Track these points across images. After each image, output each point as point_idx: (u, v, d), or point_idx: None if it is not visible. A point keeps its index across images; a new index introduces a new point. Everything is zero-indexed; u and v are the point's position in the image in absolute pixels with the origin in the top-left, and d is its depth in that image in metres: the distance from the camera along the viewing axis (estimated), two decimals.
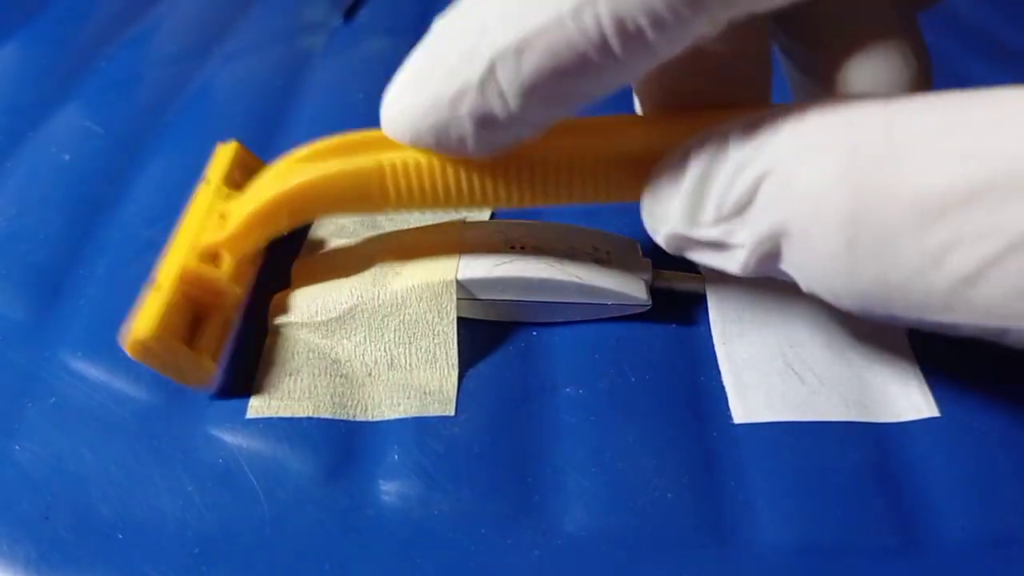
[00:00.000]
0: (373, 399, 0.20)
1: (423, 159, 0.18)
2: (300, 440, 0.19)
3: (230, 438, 0.19)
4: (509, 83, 0.15)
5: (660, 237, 0.17)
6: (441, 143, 0.17)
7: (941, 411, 0.20)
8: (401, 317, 0.20)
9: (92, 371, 0.21)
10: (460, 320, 0.21)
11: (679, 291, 0.22)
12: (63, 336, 0.22)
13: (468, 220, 0.22)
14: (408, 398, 0.20)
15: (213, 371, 0.20)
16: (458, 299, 0.21)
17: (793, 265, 0.15)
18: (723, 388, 0.20)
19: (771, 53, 0.18)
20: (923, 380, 0.20)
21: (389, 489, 0.18)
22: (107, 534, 0.17)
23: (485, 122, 0.16)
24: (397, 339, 0.20)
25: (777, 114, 0.15)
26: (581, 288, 0.21)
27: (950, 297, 0.13)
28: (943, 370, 0.21)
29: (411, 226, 0.23)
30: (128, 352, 0.18)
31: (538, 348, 0.21)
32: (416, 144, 0.17)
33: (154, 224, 0.25)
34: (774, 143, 0.14)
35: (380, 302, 0.21)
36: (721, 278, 0.22)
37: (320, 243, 0.24)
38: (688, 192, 0.16)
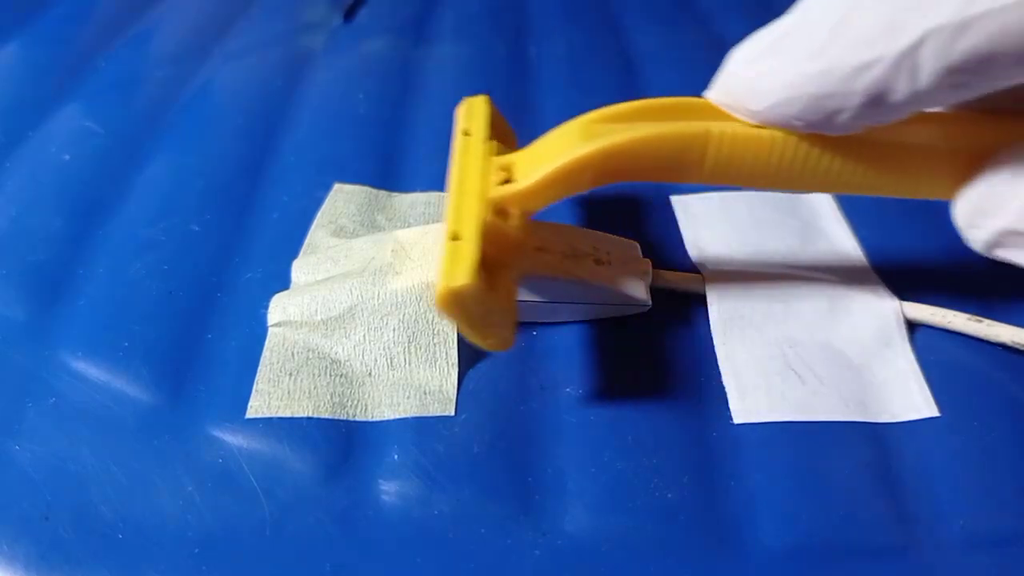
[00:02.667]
0: (373, 399, 0.20)
1: (753, 131, 0.17)
2: (300, 440, 0.19)
3: (230, 438, 0.19)
4: (935, 61, 0.14)
5: (983, 232, 0.17)
6: (806, 115, 0.16)
7: (941, 411, 0.20)
8: (401, 317, 0.20)
9: (92, 371, 0.21)
10: None
11: (679, 291, 0.22)
12: (63, 336, 0.22)
13: None
14: (408, 398, 0.20)
15: (516, 329, 0.19)
16: None
17: None
18: (723, 388, 0.20)
19: None
20: (923, 380, 0.20)
21: (389, 489, 0.18)
22: (107, 534, 0.17)
23: (877, 100, 0.15)
24: (397, 339, 0.20)
25: None
26: (581, 288, 0.21)
27: None
28: (943, 370, 0.21)
29: (411, 226, 0.23)
30: (439, 305, 0.17)
31: (538, 348, 0.21)
32: (771, 112, 0.16)
33: (154, 224, 0.25)
34: None
35: (380, 302, 0.21)
36: (721, 278, 0.22)
37: (320, 243, 0.24)
38: None
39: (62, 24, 0.36)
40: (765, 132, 0.17)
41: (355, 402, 0.20)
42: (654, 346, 0.21)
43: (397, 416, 0.20)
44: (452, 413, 0.20)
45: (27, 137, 0.29)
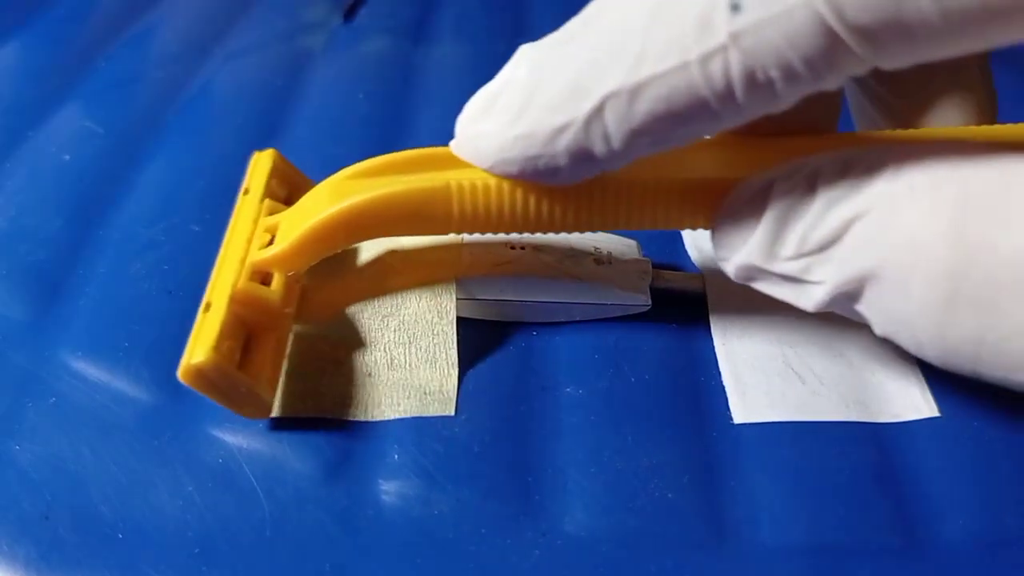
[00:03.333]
0: (373, 399, 0.20)
1: (493, 181, 0.17)
2: (300, 440, 0.19)
3: (230, 438, 0.19)
4: (618, 123, 0.14)
5: (730, 266, 0.17)
6: (526, 172, 0.16)
7: (941, 411, 0.20)
8: (401, 317, 0.20)
9: (92, 371, 0.21)
10: (460, 320, 0.21)
11: (679, 291, 0.22)
12: (63, 336, 0.21)
13: None
14: (408, 398, 0.20)
15: (271, 401, 0.19)
16: (458, 299, 0.21)
17: (874, 309, 0.15)
18: (723, 388, 0.20)
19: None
20: (923, 380, 0.20)
21: (389, 489, 0.18)
22: (107, 534, 0.17)
23: (581, 157, 0.15)
24: (397, 339, 0.20)
25: (875, 154, 0.14)
26: (581, 288, 0.21)
27: None
28: (943, 370, 0.21)
29: None
30: (182, 379, 0.17)
31: (538, 348, 0.21)
32: (495, 170, 0.17)
33: (154, 224, 0.25)
34: (872, 184, 0.14)
35: (380, 302, 0.21)
36: (721, 278, 0.22)
37: None
38: (769, 224, 0.15)
39: (62, 24, 0.36)
40: (504, 183, 0.17)
41: (355, 402, 0.20)
42: (654, 346, 0.21)
43: (397, 416, 0.20)
44: (452, 413, 0.20)
45: (27, 137, 0.29)
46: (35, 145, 0.28)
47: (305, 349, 0.21)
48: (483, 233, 0.18)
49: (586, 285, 0.21)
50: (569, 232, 0.18)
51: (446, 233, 0.18)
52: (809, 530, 0.18)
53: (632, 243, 0.23)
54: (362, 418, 0.20)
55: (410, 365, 0.20)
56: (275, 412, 0.19)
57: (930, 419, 0.20)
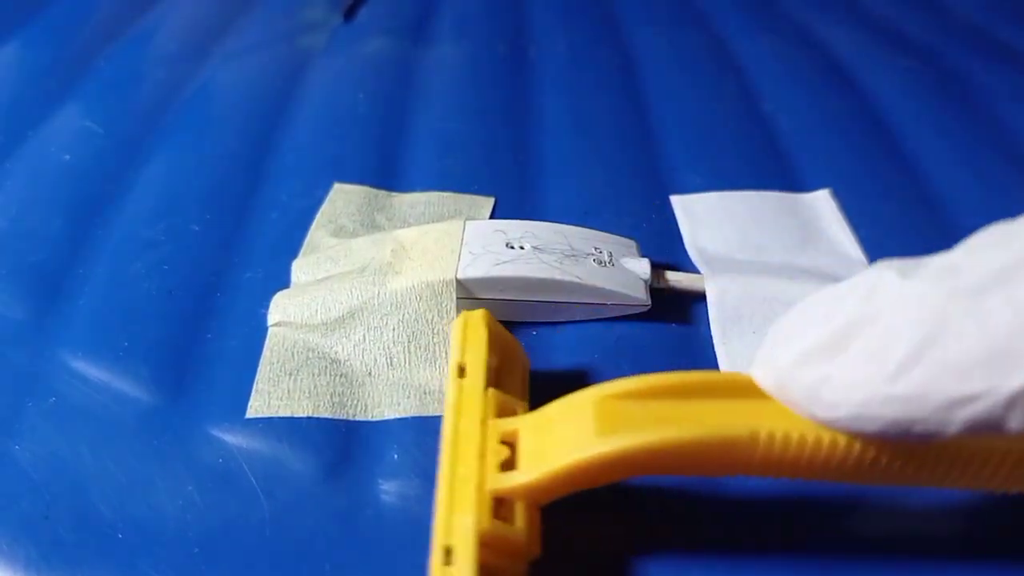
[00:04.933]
0: (373, 399, 0.20)
1: (818, 433, 0.14)
2: (300, 440, 0.19)
3: (230, 438, 0.19)
4: None
5: None
6: (888, 433, 0.13)
7: None
8: (401, 316, 0.20)
9: (92, 371, 0.21)
10: None
11: (679, 291, 0.22)
12: (63, 336, 0.21)
13: (469, 220, 0.22)
14: (408, 398, 0.20)
15: None
16: (458, 298, 0.21)
17: None
18: None
19: None
20: None
21: (389, 489, 0.18)
22: (107, 534, 0.17)
23: (981, 429, 0.12)
24: (397, 338, 0.20)
25: None
26: (581, 288, 0.21)
27: None
28: None
29: (411, 226, 0.23)
30: None
31: (538, 348, 0.21)
32: (840, 424, 0.14)
33: (154, 224, 0.25)
34: None
35: (380, 302, 0.21)
36: (721, 278, 0.22)
37: (320, 243, 0.24)
38: None
39: (62, 24, 0.36)
40: (837, 436, 0.14)
41: (355, 402, 0.20)
42: (654, 346, 0.21)
43: (397, 416, 0.20)
44: None
45: (27, 137, 0.29)
46: (35, 145, 0.28)
47: (303, 348, 0.21)
48: (778, 477, 0.15)
49: (586, 285, 0.21)
50: (888, 485, 0.15)
51: (734, 475, 0.15)
52: (809, 529, 0.18)
53: (632, 243, 0.23)
54: (362, 418, 0.20)
55: (410, 364, 0.20)
56: (275, 412, 0.19)
57: None
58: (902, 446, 0.14)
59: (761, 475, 0.15)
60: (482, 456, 0.15)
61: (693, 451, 0.14)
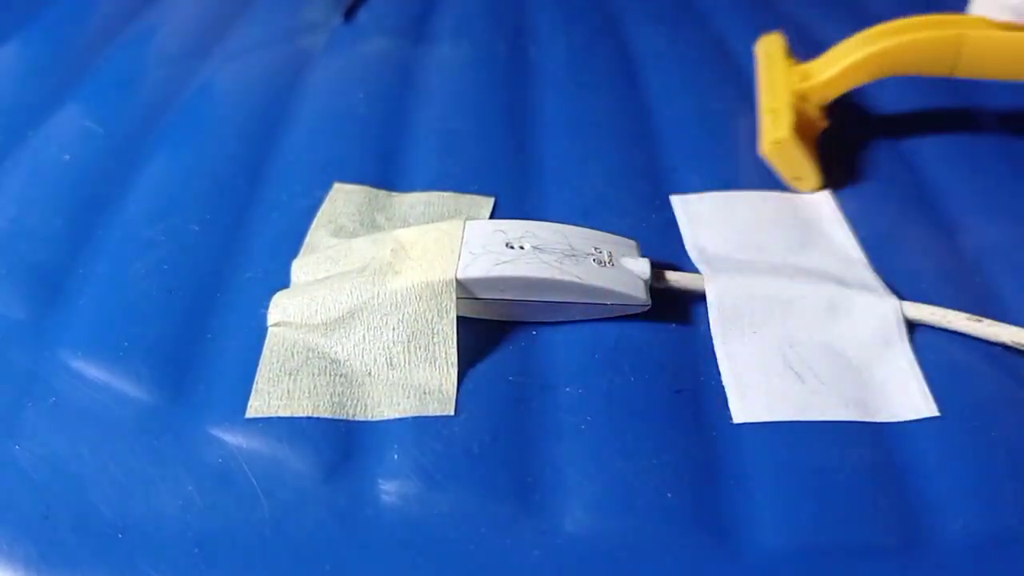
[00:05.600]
0: (373, 399, 0.20)
1: (1000, 34, 0.24)
2: (300, 440, 0.19)
3: (230, 438, 0.19)
4: None
5: None
6: None
7: (941, 411, 0.20)
8: (401, 316, 0.20)
9: (92, 371, 0.21)
10: (460, 320, 0.21)
11: (679, 291, 0.22)
12: (63, 336, 0.21)
13: (469, 220, 0.22)
14: (408, 397, 0.20)
15: (821, 176, 0.26)
16: (458, 298, 0.21)
17: None
18: (723, 388, 0.20)
19: None
20: (923, 380, 0.20)
21: (389, 489, 0.18)
22: (107, 534, 0.17)
23: None
24: (397, 338, 0.20)
25: None
26: (581, 288, 0.21)
27: None
28: (943, 370, 0.21)
29: (411, 226, 0.23)
30: (766, 151, 0.26)
31: (538, 348, 0.21)
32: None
33: (154, 224, 0.25)
34: None
35: (380, 302, 0.21)
36: (721, 278, 0.22)
37: (320, 243, 0.24)
38: None
39: (62, 24, 0.36)
40: (1010, 36, 0.24)
41: (355, 402, 0.20)
42: (654, 346, 0.21)
43: (397, 416, 0.20)
44: (452, 413, 0.20)
45: (27, 137, 0.29)
46: (35, 145, 0.28)
47: (303, 348, 0.21)
48: (981, 78, 0.26)
49: (586, 285, 0.21)
50: None
51: (951, 76, 0.26)
52: (808, 530, 0.18)
53: (632, 243, 0.23)
54: (362, 418, 0.20)
55: (410, 364, 0.20)
56: (275, 412, 0.19)
57: (930, 419, 0.20)
58: None
59: (966, 75, 0.25)
60: (788, 78, 0.27)
61: (918, 49, 0.25)
